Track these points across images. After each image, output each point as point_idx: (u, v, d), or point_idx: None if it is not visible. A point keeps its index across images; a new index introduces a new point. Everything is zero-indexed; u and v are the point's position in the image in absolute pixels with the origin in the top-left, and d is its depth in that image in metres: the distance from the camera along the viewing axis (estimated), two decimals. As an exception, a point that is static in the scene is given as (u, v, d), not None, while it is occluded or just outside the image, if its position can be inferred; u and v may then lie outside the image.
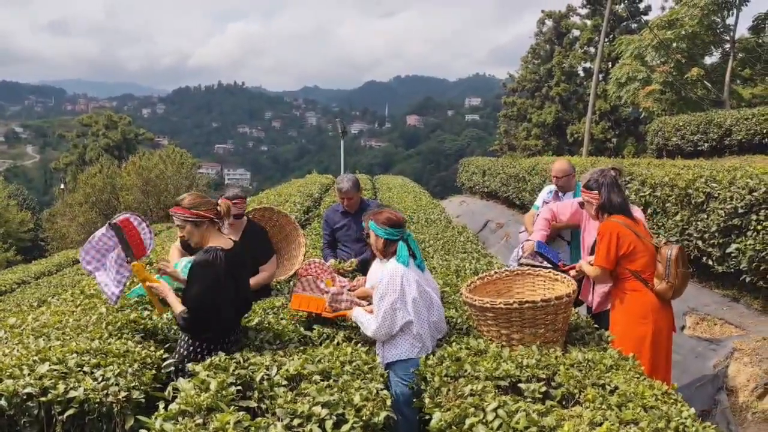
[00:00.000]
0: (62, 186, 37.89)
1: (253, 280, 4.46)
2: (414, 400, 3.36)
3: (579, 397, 2.93)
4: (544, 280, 4.11)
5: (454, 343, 3.59)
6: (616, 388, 2.98)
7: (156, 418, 2.54)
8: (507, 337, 3.62)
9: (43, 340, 3.52)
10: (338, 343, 3.62)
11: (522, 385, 3.01)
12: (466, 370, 3.15)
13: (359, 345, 3.64)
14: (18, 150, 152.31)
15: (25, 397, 2.82)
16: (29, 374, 2.97)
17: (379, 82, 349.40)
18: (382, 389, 2.94)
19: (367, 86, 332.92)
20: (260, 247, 4.73)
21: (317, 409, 2.61)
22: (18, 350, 3.35)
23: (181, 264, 4.12)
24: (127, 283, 3.78)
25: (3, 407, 2.78)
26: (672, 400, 2.88)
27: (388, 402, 2.82)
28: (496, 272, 4.21)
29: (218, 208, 3.47)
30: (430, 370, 3.24)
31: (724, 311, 5.77)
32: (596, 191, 4.22)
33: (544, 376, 3.11)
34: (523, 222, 5.92)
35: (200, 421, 2.52)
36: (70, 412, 2.80)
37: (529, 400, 2.89)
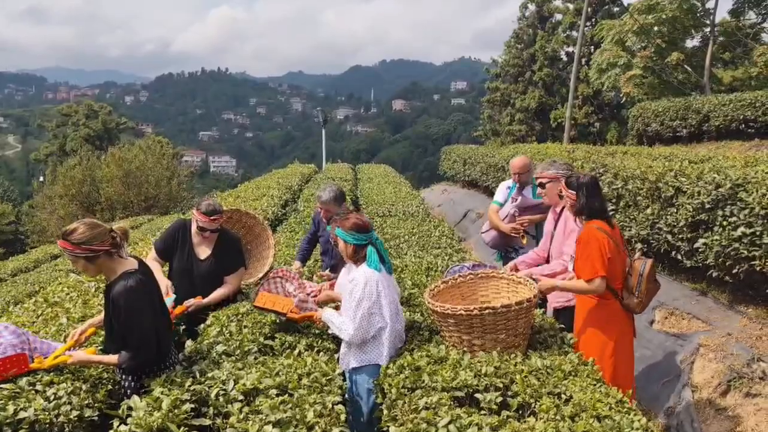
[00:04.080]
0: (41, 178, 37.41)
1: (214, 294, 4.42)
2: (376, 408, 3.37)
3: (534, 407, 2.95)
4: (508, 283, 4.11)
5: (415, 351, 3.58)
6: (571, 397, 2.99)
7: (103, 441, 2.52)
8: (468, 343, 3.62)
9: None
10: (299, 353, 3.60)
11: (479, 396, 3.02)
12: (423, 381, 3.14)
13: (321, 354, 3.63)
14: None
15: (-26, 419, 2.78)
16: (-21, 395, 2.92)
17: (365, 67, 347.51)
18: (338, 403, 2.93)
19: (353, 71, 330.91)
20: (230, 257, 4.64)
21: (268, 428, 2.59)
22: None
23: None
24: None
25: (-49, 431, 2.74)
26: (626, 409, 2.89)
27: (342, 417, 2.81)
28: (460, 275, 4.20)
29: (113, 236, 3.17)
30: (389, 381, 3.23)
31: (692, 305, 5.82)
32: (574, 192, 4.12)
33: (501, 385, 3.11)
34: (489, 218, 5.92)
35: (148, 444, 2.49)
36: (20, 433, 2.77)
37: (484, 412, 2.90)
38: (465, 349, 3.60)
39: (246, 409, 2.83)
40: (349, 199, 11.27)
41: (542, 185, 4.80)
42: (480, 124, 39.33)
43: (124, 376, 3.27)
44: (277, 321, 4.02)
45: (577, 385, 3.12)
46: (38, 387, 3.06)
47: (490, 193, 14.68)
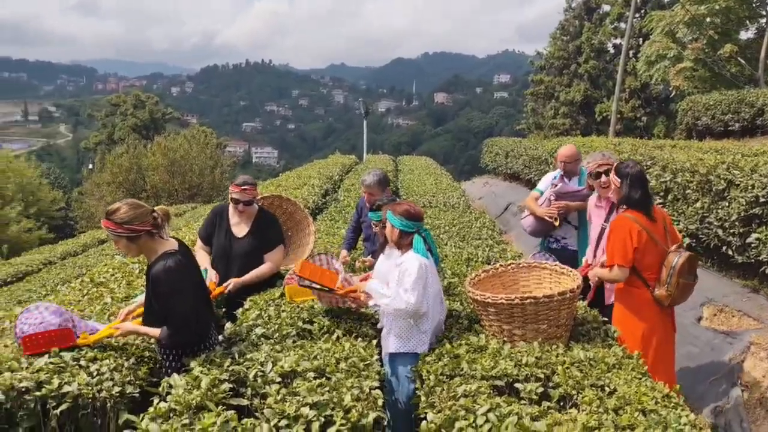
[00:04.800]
0: (90, 166, 38.52)
1: (254, 273, 4.45)
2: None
3: (576, 399, 2.87)
4: (551, 273, 4.02)
5: (454, 339, 3.54)
6: (615, 389, 2.90)
7: (143, 416, 2.55)
8: (509, 332, 3.55)
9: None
10: (338, 338, 3.59)
11: (519, 385, 2.96)
12: (462, 369, 3.10)
13: (359, 339, 3.61)
14: (51, 129, 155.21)
15: (21, 390, 2.86)
16: (27, 367, 3.00)
17: (407, 60, 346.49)
18: (375, 388, 2.90)
19: (395, 63, 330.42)
20: (269, 236, 4.68)
21: (305, 410, 2.58)
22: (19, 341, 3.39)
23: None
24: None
25: (0, 401, 2.82)
26: (673, 404, 2.79)
27: (380, 402, 2.79)
28: (501, 265, 4.12)
29: (155, 216, 3.19)
30: (427, 368, 3.19)
31: (743, 302, 5.60)
32: (620, 179, 4.08)
33: (542, 376, 3.04)
34: (526, 204, 5.81)
35: (187, 421, 2.51)
36: (64, 406, 2.83)
37: (524, 402, 2.83)
38: (505, 338, 3.54)
39: (283, 390, 2.83)
40: (391, 189, 11.23)
41: (607, 173, 4.59)
42: (523, 117, 38.78)
43: (164, 355, 3.31)
44: (314, 302, 3.99)
45: (621, 378, 3.02)
46: (82, 362, 3.12)
47: (532, 186, 14.41)
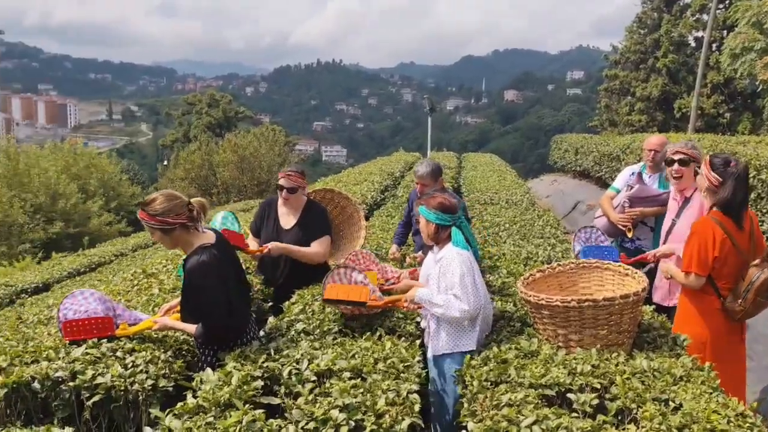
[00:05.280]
0: (165, 162, 40.02)
1: (301, 248, 4.38)
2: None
3: (636, 413, 2.58)
4: (614, 274, 3.70)
5: (503, 343, 3.30)
6: (681, 405, 2.59)
7: (168, 412, 2.47)
8: (564, 337, 3.28)
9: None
10: (380, 336, 3.42)
11: (572, 396, 2.69)
12: (509, 376, 2.86)
13: (402, 339, 3.43)
14: (134, 128, 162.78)
15: (56, 380, 2.84)
16: (64, 357, 2.99)
17: (476, 57, 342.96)
18: (413, 392, 2.71)
19: (464, 61, 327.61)
20: (316, 226, 4.58)
21: (335, 413, 2.43)
22: (65, 330, 3.40)
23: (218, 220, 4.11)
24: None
25: (36, 390, 2.81)
26: (748, 425, 2.47)
27: (416, 407, 2.59)
28: (559, 264, 3.84)
29: (191, 209, 3.11)
30: (471, 372, 2.97)
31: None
32: (719, 178, 3.61)
33: (598, 386, 2.77)
34: (600, 204, 5.43)
35: (211, 419, 2.41)
36: (96, 398, 2.79)
37: (576, 414, 2.57)
38: (560, 344, 3.26)
39: (317, 390, 2.69)
40: (451, 186, 10.99)
41: (682, 162, 4.23)
42: (595, 114, 37.46)
43: (201, 349, 3.24)
44: (350, 313, 3.80)
45: (689, 392, 2.71)
46: (119, 354, 3.08)
47: (603, 184, 13.85)
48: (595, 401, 2.64)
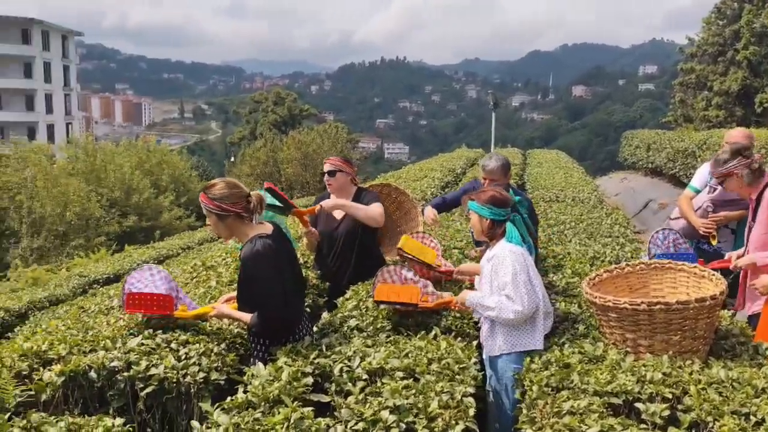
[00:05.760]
0: (232, 159, 41.10)
1: (356, 204, 4.33)
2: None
3: (712, 427, 2.37)
4: (689, 276, 3.45)
5: (566, 346, 3.12)
6: (764, 420, 2.36)
7: (218, 406, 2.43)
8: (633, 342, 3.07)
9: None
10: (435, 336, 3.30)
11: (641, 405, 2.50)
12: (572, 382, 2.69)
13: (458, 339, 3.30)
14: (204, 126, 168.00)
15: (112, 370, 2.86)
16: (120, 347, 3.01)
17: (544, 52, 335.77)
18: (468, 395, 2.58)
19: (531, 56, 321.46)
20: (365, 201, 4.51)
21: (385, 414, 2.33)
22: (124, 321, 3.45)
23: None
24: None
25: (92, 379, 2.84)
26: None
27: (471, 411, 2.46)
28: (628, 264, 3.61)
29: (249, 200, 3.11)
30: (530, 377, 2.81)
31: None
32: None
33: (670, 396, 2.56)
34: (679, 205, 5.09)
35: (259, 415, 2.35)
36: (150, 389, 2.79)
37: (645, 425, 2.39)
38: (628, 349, 3.06)
39: (368, 389, 2.60)
40: (516, 182, 10.72)
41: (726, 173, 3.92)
42: (669, 109, 35.91)
43: (254, 343, 3.21)
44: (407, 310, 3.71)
45: (774, 406, 2.46)
46: (173, 345, 3.09)
47: (676, 181, 13.22)
48: (666, 412, 2.45)
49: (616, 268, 3.59)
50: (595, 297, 3.13)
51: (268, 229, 3.18)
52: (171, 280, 3.48)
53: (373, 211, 4.35)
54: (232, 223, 3.10)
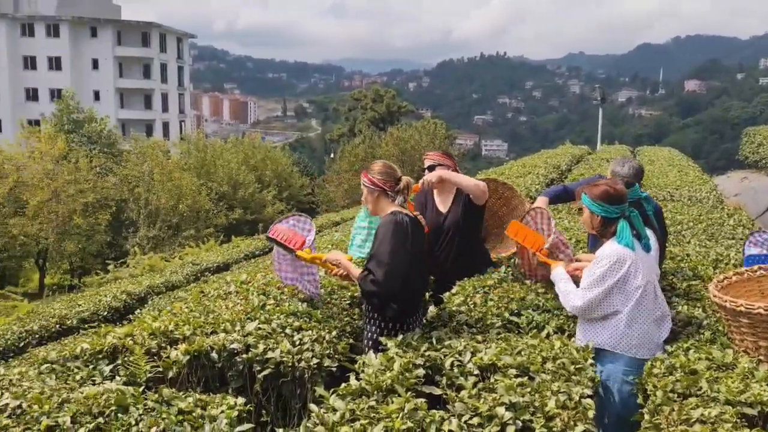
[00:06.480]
0: (331, 155, 42.05)
1: (460, 177, 4.30)
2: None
3: None
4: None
5: (691, 351, 2.94)
6: None
7: (333, 392, 2.48)
8: (766, 350, 2.84)
9: (263, 297, 3.73)
10: (548, 335, 3.21)
11: (779, 419, 2.31)
12: (700, 389, 2.53)
13: (572, 339, 3.19)
14: (305, 123, 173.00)
15: (232, 351, 3.00)
16: (239, 330, 3.15)
17: (654, 45, 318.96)
18: (586, 396, 2.49)
19: (640, 50, 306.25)
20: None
21: (500, 410, 2.29)
22: (241, 305, 3.61)
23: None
24: (319, 279, 3.86)
25: (214, 359, 2.99)
26: None
27: (590, 414, 2.37)
28: (761, 267, 3.35)
29: (397, 182, 3.40)
30: (653, 381, 2.67)
31: None
32: None
33: (814, 411, 2.35)
34: None
35: (374, 403, 2.38)
36: (267, 372, 2.90)
37: (786, 441, 2.20)
38: (761, 357, 2.84)
39: (480, 384, 2.57)
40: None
41: None
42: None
43: (369, 318, 3.30)
44: (526, 291, 3.69)
45: None
46: (287, 331, 3.19)
47: (806, 182, 12.15)
48: (811, 428, 2.24)
49: (747, 271, 3.34)
50: (725, 301, 2.93)
51: (407, 212, 3.39)
52: (311, 230, 3.80)
53: (478, 181, 4.31)
54: (378, 198, 3.40)
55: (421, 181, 4.32)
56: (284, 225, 3.79)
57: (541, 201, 4.45)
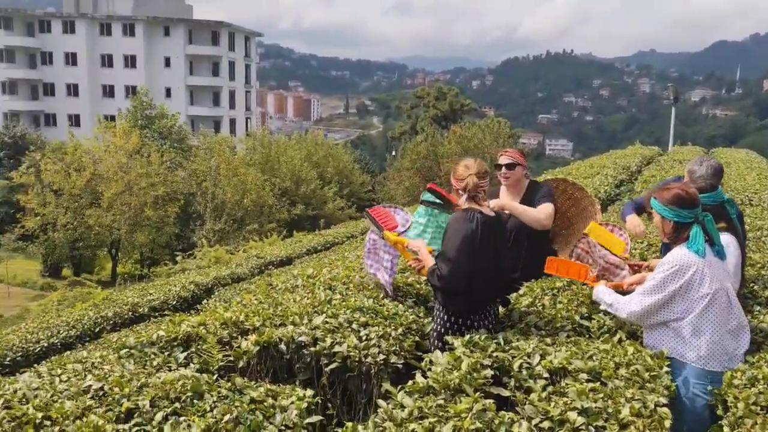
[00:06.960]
0: (393, 153, 42.18)
1: (520, 208, 4.26)
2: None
3: None
4: None
5: (775, 363, 2.79)
6: None
7: (401, 388, 2.49)
8: None
9: (329, 292, 3.78)
10: (620, 340, 3.12)
11: None
12: (786, 403, 2.40)
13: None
14: (366, 121, 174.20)
15: (300, 344, 3.05)
16: (307, 323, 3.20)
17: (731, 42, 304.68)
18: (662, 405, 2.40)
19: (715, 47, 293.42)
20: (537, 197, 4.39)
21: (572, 415, 2.24)
22: (308, 299, 3.66)
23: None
24: (396, 268, 3.90)
25: (282, 351, 3.05)
26: None
27: (667, 423, 2.29)
28: None
29: (466, 182, 3.34)
30: (734, 393, 2.55)
31: None
32: None
33: None
34: None
35: (442, 401, 2.37)
36: (334, 365, 2.93)
37: None
38: None
39: (550, 388, 2.52)
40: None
41: None
42: None
43: (438, 314, 3.28)
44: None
45: None
46: (354, 326, 3.22)
47: None
48: None
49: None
50: (814, 312, 2.77)
51: (487, 212, 3.32)
52: (406, 218, 3.91)
53: (539, 214, 4.23)
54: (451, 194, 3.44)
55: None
56: (387, 209, 3.95)
57: (632, 219, 4.17)
